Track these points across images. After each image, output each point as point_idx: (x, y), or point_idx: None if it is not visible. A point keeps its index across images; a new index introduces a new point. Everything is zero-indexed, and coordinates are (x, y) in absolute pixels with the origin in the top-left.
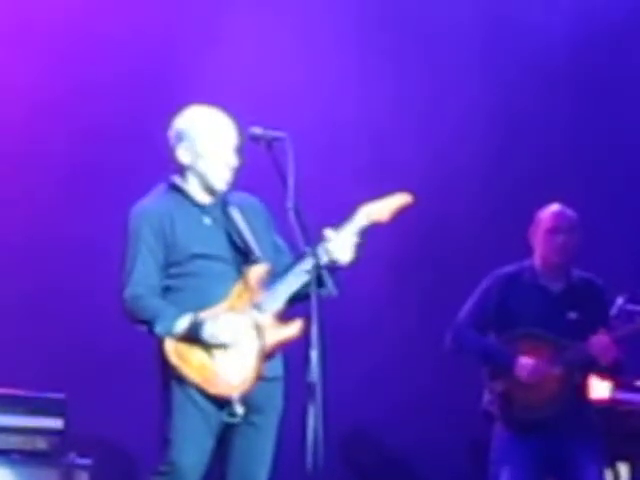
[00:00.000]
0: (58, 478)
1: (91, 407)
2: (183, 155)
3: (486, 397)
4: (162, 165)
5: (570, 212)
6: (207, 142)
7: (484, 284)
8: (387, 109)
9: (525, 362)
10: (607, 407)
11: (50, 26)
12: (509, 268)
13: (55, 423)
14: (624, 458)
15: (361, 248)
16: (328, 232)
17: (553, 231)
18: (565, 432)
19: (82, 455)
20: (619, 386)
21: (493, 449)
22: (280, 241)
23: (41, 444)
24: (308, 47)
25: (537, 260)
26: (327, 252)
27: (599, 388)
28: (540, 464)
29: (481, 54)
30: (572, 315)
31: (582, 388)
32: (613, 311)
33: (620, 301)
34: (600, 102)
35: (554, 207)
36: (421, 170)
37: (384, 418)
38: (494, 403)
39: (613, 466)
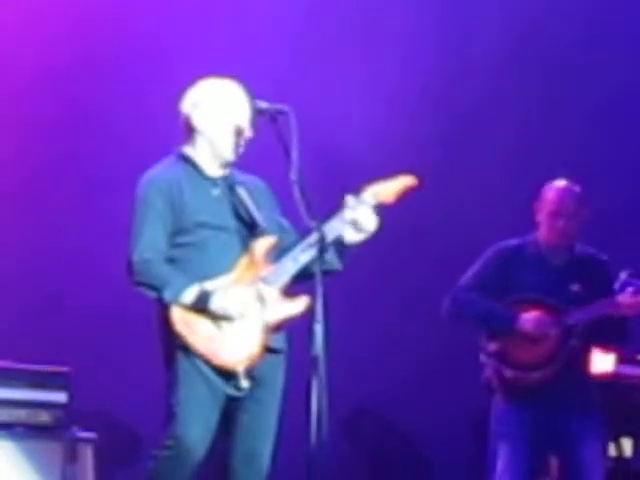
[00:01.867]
0: (62, 452)
1: (95, 380)
2: (197, 121)
3: (485, 369)
4: None
5: (575, 191)
6: (222, 111)
7: (486, 254)
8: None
9: (529, 316)
10: (611, 381)
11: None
12: (513, 241)
13: (59, 396)
14: (628, 433)
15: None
16: (349, 198)
17: (555, 215)
18: (563, 405)
19: (86, 429)
20: (623, 360)
21: (492, 422)
22: (285, 221)
23: (45, 417)
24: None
25: (541, 235)
26: (350, 222)
27: (602, 361)
28: (539, 438)
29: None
30: (574, 287)
31: (582, 361)
32: (616, 285)
33: (623, 276)
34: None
35: (559, 185)
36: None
37: (387, 391)
38: (489, 365)
39: (617, 441)
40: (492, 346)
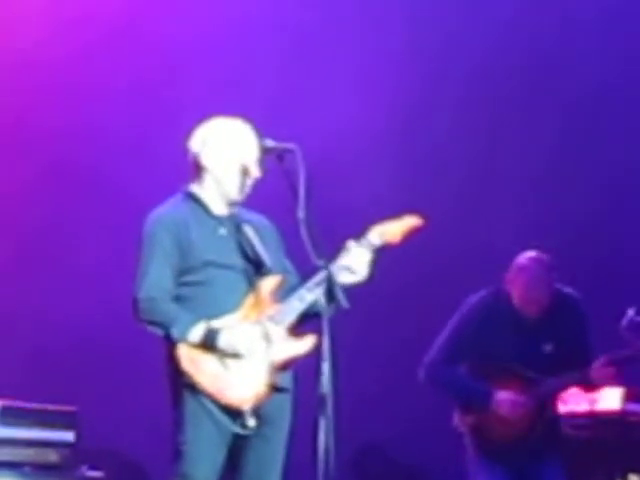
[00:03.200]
0: None
1: (102, 419)
2: (206, 160)
3: (457, 424)
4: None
5: (544, 261)
6: (231, 150)
7: (460, 314)
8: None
9: (504, 398)
10: (618, 418)
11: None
12: (486, 295)
13: (66, 436)
14: (635, 469)
15: (375, 265)
16: (350, 243)
17: (527, 287)
18: (537, 457)
19: (93, 468)
20: (630, 397)
21: (469, 469)
22: (288, 263)
23: (52, 457)
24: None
25: (514, 297)
26: (345, 266)
27: (610, 398)
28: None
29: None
30: (547, 347)
31: (553, 413)
32: (623, 322)
33: (631, 312)
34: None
35: (529, 256)
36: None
37: (395, 430)
38: (465, 435)
39: (624, 477)
40: (467, 419)
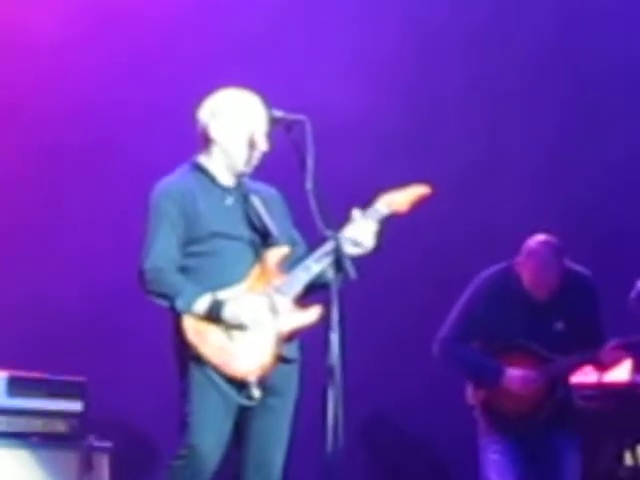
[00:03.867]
0: (78, 461)
1: (110, 389)
2: (214, 131)
3: (469, 400)
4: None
5: (554, 244)
6: (239, 122)
7: (470, 291)
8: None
9: (515, 374)
10: (627, 389)
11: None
12: (496, 272)
13: (74, 406)
14: None
15: (382, 236)
16: (355, 212)
17: (538, 271)
18: (548, 429)
19: (102, 438)
20: (638, 368)
21: (480, 442)
22: (295, 233)
23: (61, 427)
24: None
25: (524, 278)
26: (350, 238)
27: (618, 370)
28: (524, 455)
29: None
30: (559, 326)
31: (565, 391)
32: (633, 294)
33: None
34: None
35: (539, 240)
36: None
37: (403, 400)
38: (477, 409)
39: (633, 449)
40: (479, 394)
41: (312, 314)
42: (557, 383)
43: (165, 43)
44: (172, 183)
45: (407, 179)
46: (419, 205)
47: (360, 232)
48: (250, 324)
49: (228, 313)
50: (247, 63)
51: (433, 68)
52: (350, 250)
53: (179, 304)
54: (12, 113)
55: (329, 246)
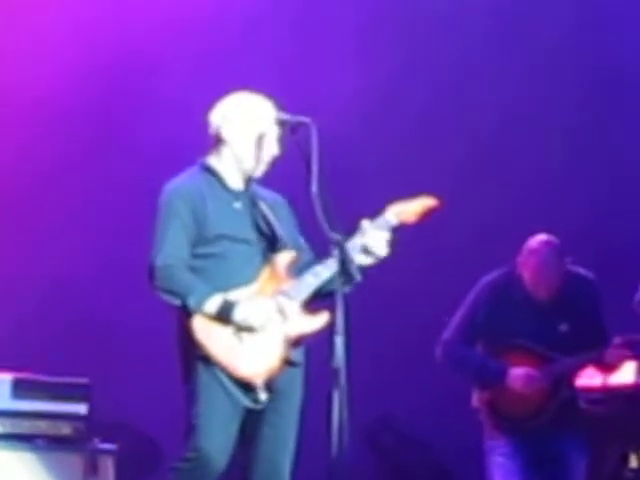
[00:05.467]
0: (82, 463)
1: (115, 392)
2: (226, 133)
3: (474, 403)
4: None
5: (556, 244)
6: (250, 125)
7: (473, 294)
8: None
9: (518, 373)
10: (632, 392)
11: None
12: (499, 275)
13: (79, 408)
14: None
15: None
16: (365, 223)
17: (540, 271)
18: (553, 432)
19: (106, 440)
20: None
21: (485, 445)
22: (302, 241)
23: (65, 429)
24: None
25: (526, 279)
26: (363, 246)
27: (624, 372)
28: (530, 458)
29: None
30: (563, 327)
31: (570, 392)
32: (636, 297)
33: None
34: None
35: (540, 240)
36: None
37: (408, 403)
38: (482, 411)
39: (638, 451)
40: (484, 395)
41: (320, 319)
42: (561, 383)
43: (167, 47)
44: (183, 184)
45: (410, 186)
46: (427, 216)
47: (373, 241)
48: (259, 327)
49: (239, 315)
50: (250, 67)
51: (436, 70)
52: (362, 260)
53: (191, 302)
54: (33, 105)
55: (336, 252)
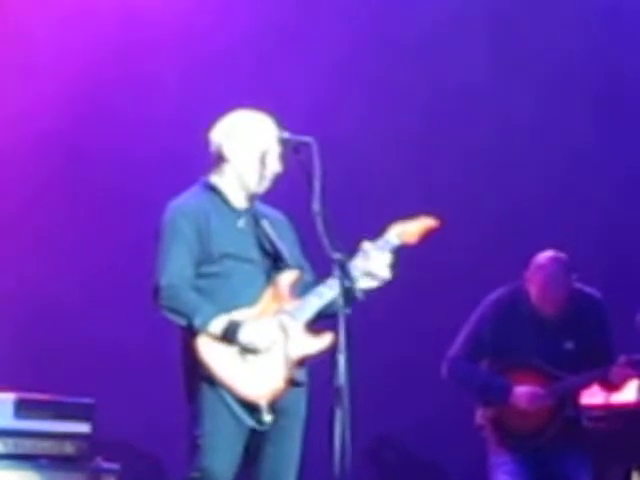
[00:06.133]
0: None
1: (118, 411)
2: (228, 151)
3: (478, 419)
4: None
5: (563, 260)
6: (252, 142)
7: (479, 311)
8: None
9: (522, 391)
10: (635, 409)
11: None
12: (505, 292)
13: (82, 427)
14: None
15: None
16: (366, 244)
17: (547, 287)
18: (557, 450)
19: (109, 459)
20: None
21: (489, 463)
22: (304, 260)
23: (69, 449)
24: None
25: (533, 295)
26: (365, 270)
27: (626, 390)
28: (534, 476)
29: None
30: (568, 345)
31: (574, 410)
32: (638, 317)
33: None
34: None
35: (547, 256)
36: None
37: (410, 421)
38: (486, 428)
39: None
40: (488, 412)
41: (324, 340)
42: (566, 402)
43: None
44: (187, 202)
45: (408, 200)
46: (427, 236)
47: (375, 264)
48: (264, 348)
49: (244, 336)
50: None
51: (442, 73)
52: (366, 284)
53: (196, 322)
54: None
55: (338, 272)
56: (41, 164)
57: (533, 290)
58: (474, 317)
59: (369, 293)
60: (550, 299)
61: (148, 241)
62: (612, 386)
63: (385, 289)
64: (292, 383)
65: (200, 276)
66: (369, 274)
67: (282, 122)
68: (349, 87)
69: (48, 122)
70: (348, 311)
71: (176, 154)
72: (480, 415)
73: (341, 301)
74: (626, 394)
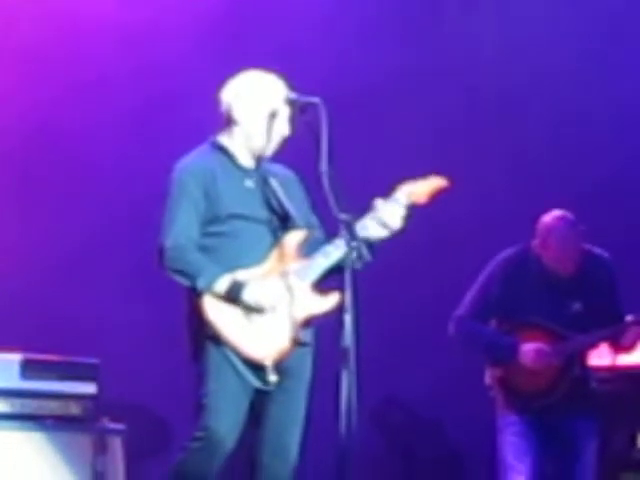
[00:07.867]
0: (91, 443)
1: (124, 372)
2: (237, 111)
3: (487, 380)
4: None
5: (571, 219)
6: (262, 103)
7: (487, 271)
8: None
9: (528, 348)
10: (638, 372)
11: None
12: (514, 253)
13: (88, 388)
14: None
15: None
16: (378, 202)
17: (557, 248)
18: (565, 411)
19: (115, 420)
20: None
21: (497, 422)
22: (314, 218)
23: (74, 409)
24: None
25: (543, 256)
26: (378, 220)
27: (635, 352)
28: (541, 437)
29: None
30: (576, 306)
31: (582, 370)
32: None
33: None
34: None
35: (556, 215)
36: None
37: (417, 382)
38: (494, 388)
39: None
40: (496, 372)
41: (330, 300)
42: (573, 361)
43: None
44: (194, 162)
45: (419, 165)
46: (437, 196)
47: (388, 214)
48: (269, 308)
49: (247, 295)
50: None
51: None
52: (377, 232)
53: (200, 283)
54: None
55: (346, 231)
56: (25, 138)
57: (548, 253)
58: (482, 276)
59: (379, 246)
60: (569, 257)
61: (148, 203)
62: (619, 346)
63: (391, 249)
64: (298, 343)
65: (207, 235)
66: (382, 223)
67: (293, 83)
68: (356, 45)
69: (26, 97)
70: (357, 266)
71: (161, 125)
72: (488, 375)
73: (348, 262)
74: (633, 356)
